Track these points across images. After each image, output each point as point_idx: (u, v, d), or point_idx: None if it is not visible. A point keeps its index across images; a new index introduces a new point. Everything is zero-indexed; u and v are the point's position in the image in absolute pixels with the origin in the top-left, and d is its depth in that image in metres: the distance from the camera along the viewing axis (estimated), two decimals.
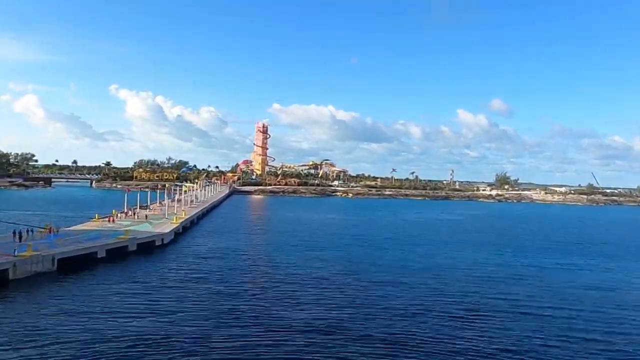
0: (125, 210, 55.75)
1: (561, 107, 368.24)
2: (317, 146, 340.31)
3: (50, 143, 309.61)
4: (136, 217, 54.26)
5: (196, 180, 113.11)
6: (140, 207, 62.09)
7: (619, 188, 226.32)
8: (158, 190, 74.32)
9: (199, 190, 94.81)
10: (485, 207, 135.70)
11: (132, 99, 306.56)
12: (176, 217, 49.65)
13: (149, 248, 39.29)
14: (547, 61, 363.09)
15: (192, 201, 75.66)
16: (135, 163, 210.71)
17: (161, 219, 52.23)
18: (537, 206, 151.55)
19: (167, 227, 45.81)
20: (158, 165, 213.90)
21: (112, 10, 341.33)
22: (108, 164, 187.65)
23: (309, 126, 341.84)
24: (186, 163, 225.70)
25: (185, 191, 72.27)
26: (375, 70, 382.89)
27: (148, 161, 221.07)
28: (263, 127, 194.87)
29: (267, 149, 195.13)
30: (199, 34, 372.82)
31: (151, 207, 63.07)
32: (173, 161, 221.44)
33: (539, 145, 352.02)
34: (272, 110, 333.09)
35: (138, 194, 64.34)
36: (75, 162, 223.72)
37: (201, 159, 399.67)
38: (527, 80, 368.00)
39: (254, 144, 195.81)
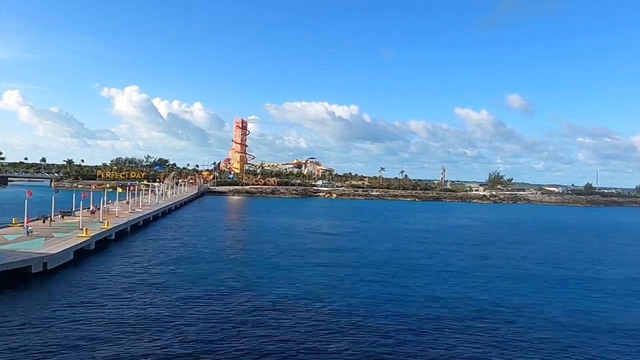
0: (32, 218, 42.77)
1: (576, 105, 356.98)
2: (313, 145, 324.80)
3: (39, 142, 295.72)
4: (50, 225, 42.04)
5: (158, 180, 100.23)
6: (62, 213, 49.25)
7: (615, 188, 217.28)
8: (123, 190, 62.57)
9: (159, 191, 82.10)
10: (486, 209, 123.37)
11: (125, 97, 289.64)
12: (86, 230, 36.86)
13: (19, 278, 26.65)
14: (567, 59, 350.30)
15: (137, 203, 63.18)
16: (112, 161, 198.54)
17: (73, 229, 39.43)
18: (540, 208, 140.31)
19: (65, 243, 33.09)
20: (135, 163, 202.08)
21: (99, 9, 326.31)
22: (70, 162, 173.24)
23: (309, 124, 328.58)
24: (166, 161, 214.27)
25: (114, 190, 58.90)
26: (406, 64, 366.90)
27: (126, 159, 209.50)
28: (242, 122, 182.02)
29: (246, 145, 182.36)
30: (195, 31, 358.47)
31: (75, 213, 50.07)
32: (152, 159, 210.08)
33: (544, 143, 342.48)
34: (274, 108, 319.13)
35: (104, 194, 51.97)
36: (43, 159, 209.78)
37: (195, 158, 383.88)
38: (546, 79, 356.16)
39: (232, 140, 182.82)
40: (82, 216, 48.77)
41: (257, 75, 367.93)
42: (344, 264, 36.68)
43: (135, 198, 69.02)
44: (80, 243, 34.32)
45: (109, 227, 41.81)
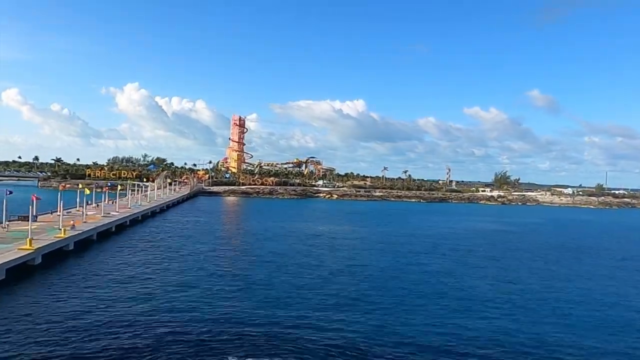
0: None
1: (600, 104, 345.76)
2: (319, 144, 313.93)
3: (44, 141, 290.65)
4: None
5: (145, 179, 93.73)
6: (20, 218, 42.62)
7: (626, 188, 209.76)
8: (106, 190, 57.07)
9: (143, 192, 75.74)
10: (499, 211, 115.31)
11: (129, 95, 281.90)
12: (30, 241, 30.10)
13: None
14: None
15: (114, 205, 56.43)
16: (108, 160, 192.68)
17: (22, 239, 32.69)
18: (555, 210, 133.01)
19: None
20: (132, 162, 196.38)
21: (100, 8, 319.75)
22: (59, 160, 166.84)
23: (316, 123, 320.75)
24: (164, 160, 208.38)
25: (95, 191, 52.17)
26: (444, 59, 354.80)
27: (123, 158, 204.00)
28: (239, 120, 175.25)
29: (243, 144, 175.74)
30: (198, 31, 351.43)
31: (37, 217, 43.30)
32: (150, 158, 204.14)
33: (558, 143, 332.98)
34: (279, 107, 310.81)
35: (77, 195, 44.95)
36: (36, 158, 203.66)
37: (200, 158, 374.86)
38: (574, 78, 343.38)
39: (229, 138, 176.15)
40: (43, 221, 42.45)
41: (261, 74, 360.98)
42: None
43: (110, 200, 62.41)
44: (19, 258, 27.62)
45: (66, 236, 35.08)
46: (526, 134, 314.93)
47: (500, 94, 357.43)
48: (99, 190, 60.57)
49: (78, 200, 52.43)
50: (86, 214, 44.90)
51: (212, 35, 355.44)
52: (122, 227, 49.32)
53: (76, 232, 37.72)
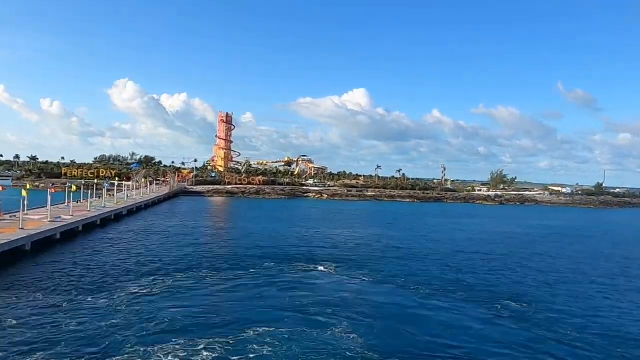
0: None
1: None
2: (320, 143, 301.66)
3: (42, 140, 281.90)
4: None
5: (117, 179, 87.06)
6: None
7: (623, 187, 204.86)
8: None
9: (107, 193, 69.16)
10: (500, 212, 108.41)
11: (129, 94, 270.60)
12: None
13: None
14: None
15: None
16: (95, 159, 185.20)
17: None
18: (557, 210, 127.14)
19: None
20: (120, 161, 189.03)
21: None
22: (34, 158, 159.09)
23: (321, 120, 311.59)
24: (152, 159, 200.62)
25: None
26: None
27: (110, 156, 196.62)
28: (227, 116, 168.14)
29: (231, 141, 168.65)
30: (205, 29, 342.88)
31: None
32: (138, 156, 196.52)
33: (570, 141, 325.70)
34: (281, 106, 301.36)
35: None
36: (17, 156, 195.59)
37: (202, 157, 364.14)
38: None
39: (216, 136, 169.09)
40: None
41: (263, 72, 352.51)
42: None
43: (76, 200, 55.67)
44: None
45: None
46: (549, 133, 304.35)
47: (532, 91, 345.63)
48: (76, 189, 54.16)
49: (23, 202, 45.72)
50: (23, 219, 38.12)
51: (212, 35, 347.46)
52: (72, 234, 42.65)
53: (4, 241, 31.08)
